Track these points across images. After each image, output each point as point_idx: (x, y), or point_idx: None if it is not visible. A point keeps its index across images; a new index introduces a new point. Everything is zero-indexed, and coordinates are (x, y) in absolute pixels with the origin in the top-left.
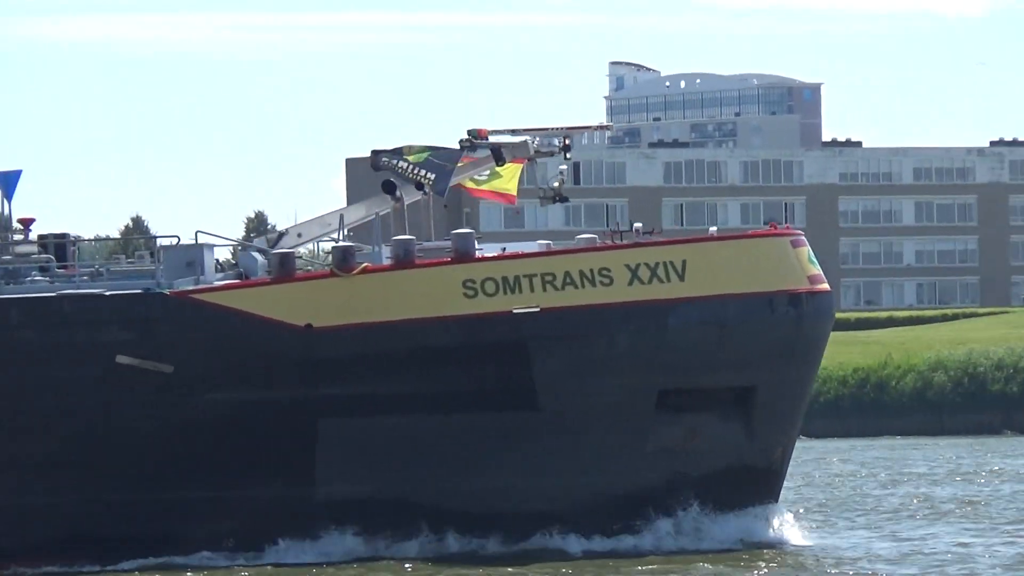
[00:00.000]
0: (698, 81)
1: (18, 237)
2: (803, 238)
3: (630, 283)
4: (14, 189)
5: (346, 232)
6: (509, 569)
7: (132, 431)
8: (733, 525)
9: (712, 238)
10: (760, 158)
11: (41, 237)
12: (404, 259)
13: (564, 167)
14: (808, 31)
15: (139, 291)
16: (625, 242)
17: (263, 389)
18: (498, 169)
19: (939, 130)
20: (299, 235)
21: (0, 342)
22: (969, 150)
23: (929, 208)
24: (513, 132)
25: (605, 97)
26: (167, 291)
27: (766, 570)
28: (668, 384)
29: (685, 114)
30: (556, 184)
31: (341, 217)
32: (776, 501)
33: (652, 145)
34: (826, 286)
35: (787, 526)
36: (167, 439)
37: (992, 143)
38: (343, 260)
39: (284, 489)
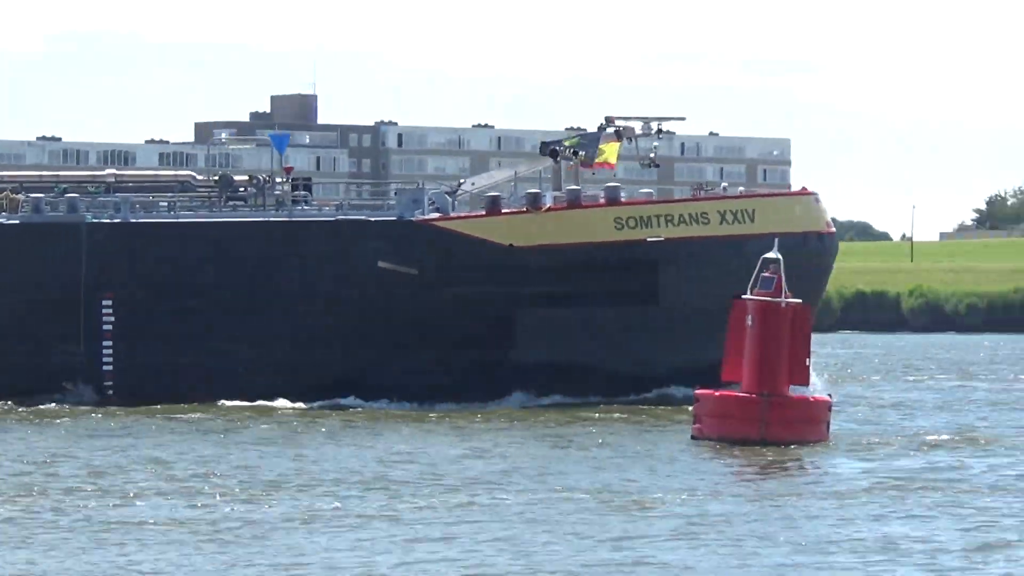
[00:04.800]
0: None
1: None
2: (820, 196)
3: (720, 223)
4: (284, 147)
5: (514, 184)
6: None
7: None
8: None
9: (770, 194)
10: None
11: (294, 180)
12: (574, 202)
13: (657, 143)
14: None
15: (393, 218)
16: (715, 195)
17: (479, 287)
18: (602, 146)
19: None
20: (472, 183)
21: (294, 251)
22: None
23: None
24: (624, 119)
25: None
26: (414, 219)
27: None
28: (742, 291)
29: None
30: (652, 155)
31: (516, 172)
32: None
33: None
34: (834, 228)
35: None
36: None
37: None
38: (534, 202)
39: (489, 354)
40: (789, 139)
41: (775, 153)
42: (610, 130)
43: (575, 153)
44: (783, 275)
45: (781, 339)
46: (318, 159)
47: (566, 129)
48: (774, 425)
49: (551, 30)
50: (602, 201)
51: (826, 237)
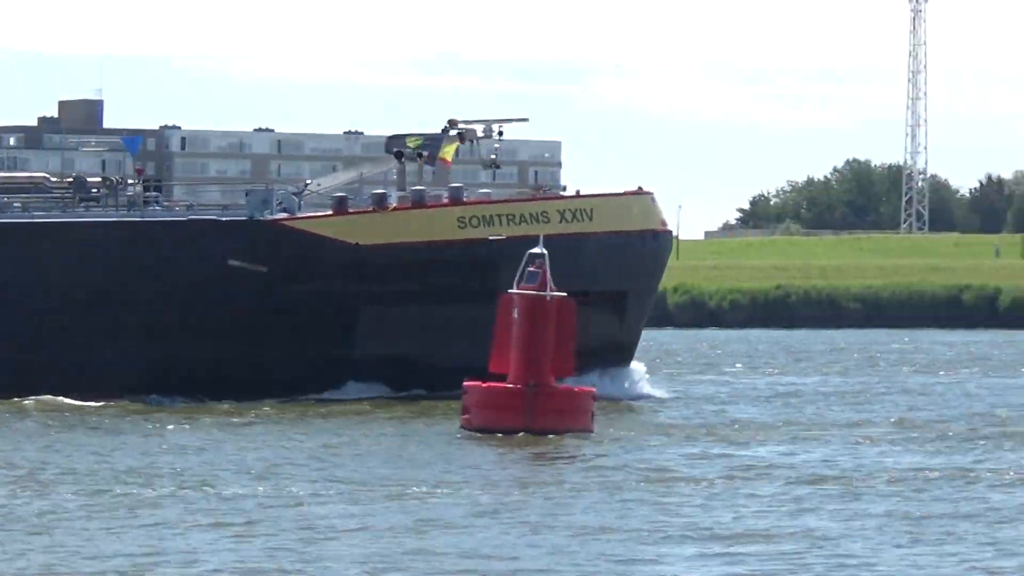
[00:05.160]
0: None
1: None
2: (655, 196)
3: (560, 222)
4: (136, 149)
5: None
6: None
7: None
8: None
9: (608, 195)
10: None
11: (146, 181)
12: (419, 201)
13: (498, 145)
14: None
15: (245, 218)
16: (555, 194)
17: (326, 284)
18: (444, 147)
19: None
20: (319, 184)
21: (144, 251)
22: None
23: None
24: (466, 122)
25: None
26: (265, 218)
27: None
28: (579, 288)
29: None
30: (493, 157)
31: (361, 174)
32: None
33: None
34: (669, 227)
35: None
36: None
37: None
38: (380, 201)
39: (335, 350)
40: (560, 142)
41: (546, 155)
42: (453, 132)
43: (419, 154)
44: (548, 269)
45: (547, 332)
46: (103, 162)
47: (345, 133)
48: (540, 415)
49: (327, 34)
50: (446, 201)
51: (661, 235)
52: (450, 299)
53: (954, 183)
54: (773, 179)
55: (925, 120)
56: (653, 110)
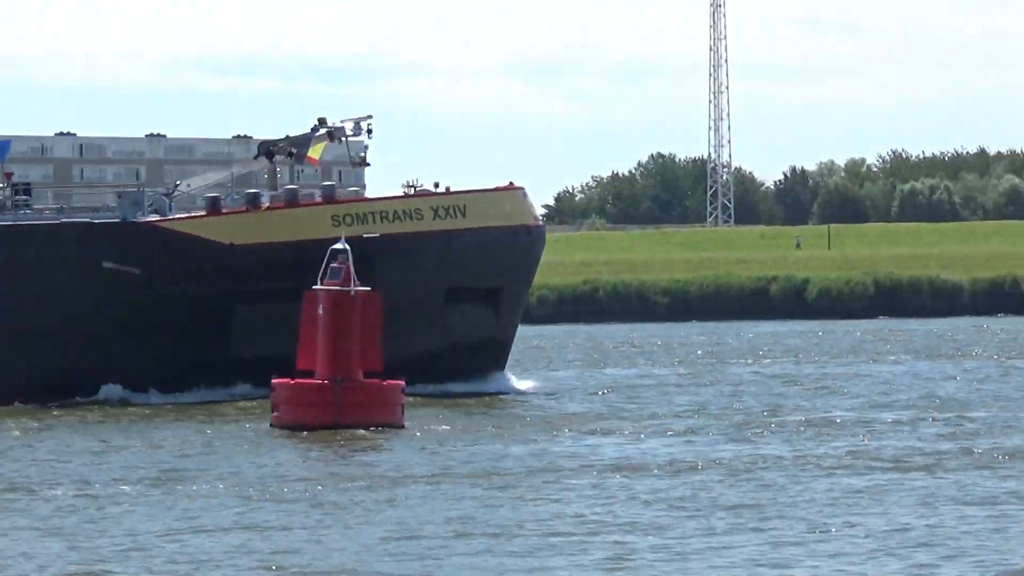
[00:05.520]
0: None
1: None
2: (526, 191)
3: (433, 219)
4: (5, 154)
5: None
6: None
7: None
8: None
9: (480, 191)
10: None
11: (15, 185)
12: (292, 200)
13: (368, 143)
14: None
15: (118, 220)
16: (428, 191)
17: (201, 284)
18: (313, 144)
19: None
20: (188, 185)
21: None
22: None
23: None
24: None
25: None
26: (138, 220)
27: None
28: (453, 284)
29: None
30: (363, 155)
31: (232, 174)
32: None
33: None
34: (541, 222)
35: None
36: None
37: None
38: (253, 201)
39: (210, 350)
40: (363, 141)
41: (351, 155)
42: (323, 131)
43: (290, 153)
44: (351, 265)
45: (352, 326)
46: None
47: (147, 136)
48: (347, 410)
49: (121, 35)
50: (319, 199)
51: (534, 230)
52: None
53: (759, 176)
54: (577, 175)
55: (728, 114)
56: (454, 109)
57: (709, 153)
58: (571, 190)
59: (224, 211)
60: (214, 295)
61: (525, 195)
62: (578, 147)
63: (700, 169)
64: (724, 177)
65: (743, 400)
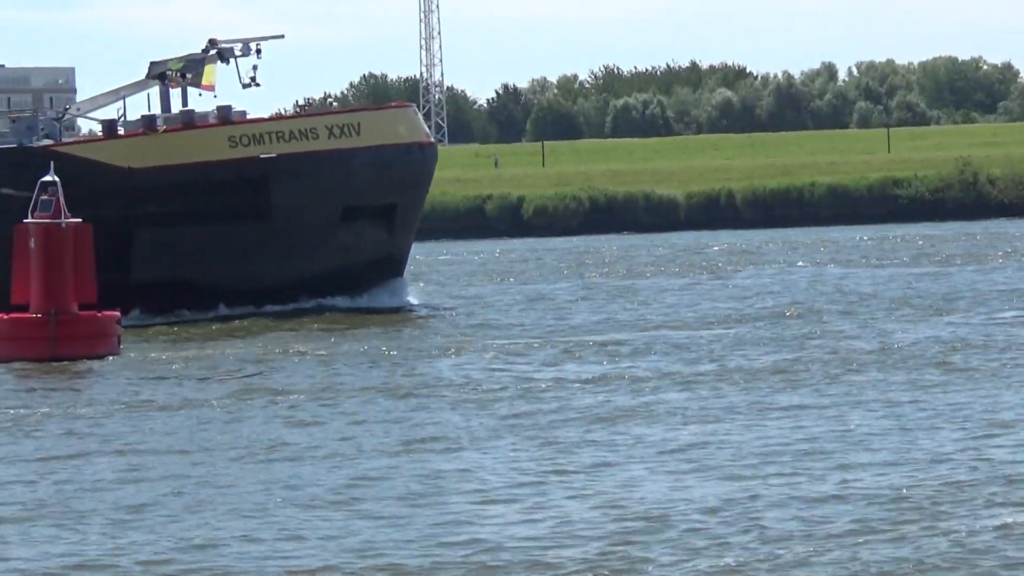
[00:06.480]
0: None
1: None
2: (416, 108)
3: (328, 138)
4: None
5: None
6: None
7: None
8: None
9: (373, 108)
10: None
11: None
12: (189, 123)
13: (257, 63)
14: None
15: (14, 145)
16: (321, 110)
17: (100, 209)
18: (205, 68)
19: None
20: (78, 109)
21: None
22: None
23: None
24: (225, 41)
25: None
26: (33, 145)
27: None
28: (350, 202)
29: None
30: (252, 76)
31: (124, 99)
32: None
33: None
34: (433, 140)
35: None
36: None
37: None
38: (150, 124)
39: (109, 275)
40: (73, 68)
41: (60, 82)
42: (212, 52)
43: (183, 76)
44: (61, 197)
45: (64, 259)
46: None
47: None
48: (64, 343)
49: None
50: (215, 121)
51: (427, 147)
52: (224, 219)
53: (471, 94)
54: (288, 97)
55: (439, 32)
56: (173, 30)
57: (421, 72)
58: (283, 112)
59: (121, 134)
60: (113, 220)
61: (416, 112)
62: (288, 69)
63: (413, 89)
64: (436, 96)
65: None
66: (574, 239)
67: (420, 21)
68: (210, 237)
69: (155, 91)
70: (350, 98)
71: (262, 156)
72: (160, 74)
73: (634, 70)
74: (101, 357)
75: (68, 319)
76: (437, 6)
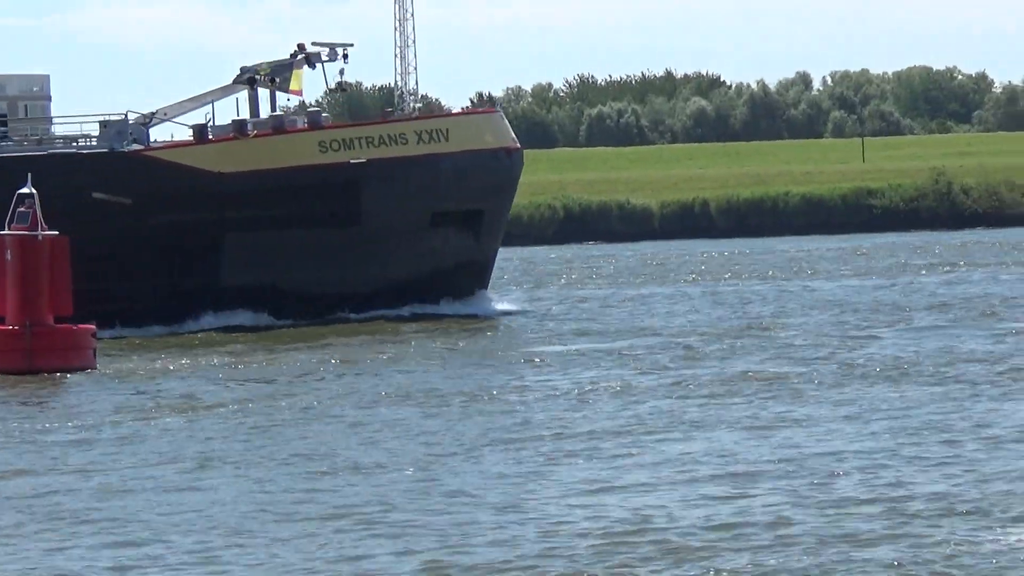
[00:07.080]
0: None
1: None
2: (503, 114)
3: (417, 143)
4: None
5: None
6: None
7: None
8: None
9: (461, 113)
10: None
11: None
12: (279, 127)
13: (344, 67)
14: None
15: (106, 150)
16: (410, 116)
17: (190, 213)
18: (292, 73)
19: None
20: (165, 114)
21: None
22: None
23: None
24: (313, 44)
25: None
26: (124, 150)
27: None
28: (438, 208)
29: None
30: (339, 80)
31: (212, 104)
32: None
33: None
34: (519, 145)
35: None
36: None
37: None
38: (240, 129)
39: (200, 279)
40: (48, 75)
41: (35, 89)
42: (300, 56)
43: (272, 80)
44: (39, 209)
45: (40, 271)
46: None
47: None
48: (39, 355)
49: None
50: (305, 126)
51: (514, 153)
52: (313, 224)
53: (446, 103)
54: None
55: (414, 41)
56: (142, 39)
57: (395, 80)
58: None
59: (211, 139)
60: (203, 224)
61: (502, 118)
62: None
63: (387, 97)
64: (411, 105)
65: None
66: (555, 248)
67: (395, 29)
68: (299, 241)
69: (243, 96)
70: (325, 106)
71: (352, 161)
72: (249, 79)
73: (609, 79)
74: (77, 370)
75: (44, 331)
76: (412, 14)
